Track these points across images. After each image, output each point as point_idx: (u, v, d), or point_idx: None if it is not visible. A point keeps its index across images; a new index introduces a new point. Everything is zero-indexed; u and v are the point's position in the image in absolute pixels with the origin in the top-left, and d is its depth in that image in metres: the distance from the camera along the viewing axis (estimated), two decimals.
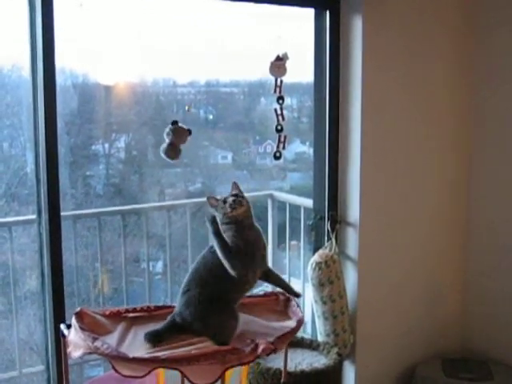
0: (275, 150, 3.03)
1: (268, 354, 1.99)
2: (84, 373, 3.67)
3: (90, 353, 1.95)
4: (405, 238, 3.39)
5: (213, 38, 3.54)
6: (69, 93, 3.66)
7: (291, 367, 2.87)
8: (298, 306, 2.37)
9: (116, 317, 2.25)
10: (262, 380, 2.83)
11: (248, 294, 2.30)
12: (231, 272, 2.12)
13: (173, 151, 2.43)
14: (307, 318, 3.34)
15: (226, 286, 2.15)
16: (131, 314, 2.29)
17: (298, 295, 2.35)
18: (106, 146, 4.25)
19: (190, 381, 1.85)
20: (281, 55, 2.93)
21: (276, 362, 2.86)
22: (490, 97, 3.41)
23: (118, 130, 4.22)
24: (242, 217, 2.16)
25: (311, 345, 3.18)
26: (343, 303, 3.18)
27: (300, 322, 2.22)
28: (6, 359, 3.43)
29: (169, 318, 2.17)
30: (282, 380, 2.51)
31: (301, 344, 3.18)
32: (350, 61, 3.16)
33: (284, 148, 3.01)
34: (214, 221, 2.19)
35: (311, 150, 3.41)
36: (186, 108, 3.11)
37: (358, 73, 3.12)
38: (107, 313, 2.25)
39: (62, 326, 2.16)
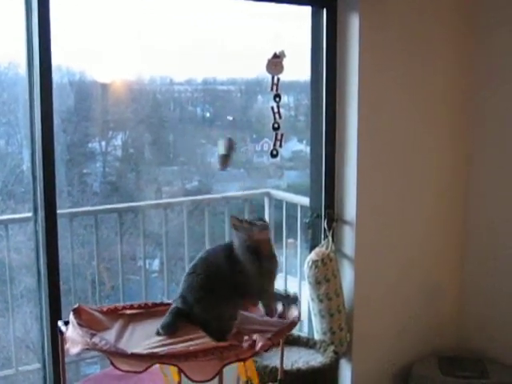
0: (272, 148, 3.04)
1: (266, 350, 1.99)
2: (80, 370, 3.67)
3: (88, 349, 1.94)
4: (402, 237, 3.39)
5: (210, 36, 3.55)
6: (65, 90, 3.65)
7: (288, 365, 2.87)
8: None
9: (113, 313, 2.24)
10: (258, 378, 2.82)
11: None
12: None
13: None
14: (304, 316, 3.34)
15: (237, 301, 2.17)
16: (128, 311, 2.28)
17: (295, 300, 2.34)
18: (103, 143, 4.25)
19: (187, 377, 1.85)
20: (278, 53, 2.93)
21: (272, 359, 2.86)
22: (489, 97, 3.41)
23: (114, 128, 4.21)
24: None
25: (308, 343, 3.18)
26: (340, 301, 3.18)
27: (297, 318, 2.22)
28: (2, 357, 3.43)
29: (172, 306, 2.16)
30: (279, 378, 2.51)
31: (297, 342, 3.18)
32: (347, 59, 3.16)
33: (281, 146, 3.02)
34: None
35: (308, 148, 3.41)
36: (230, 118, 3.22)
37: (354, 71, 3.12)
38: (105, 309, 2.25)
39: (60, 323, 2.14)
